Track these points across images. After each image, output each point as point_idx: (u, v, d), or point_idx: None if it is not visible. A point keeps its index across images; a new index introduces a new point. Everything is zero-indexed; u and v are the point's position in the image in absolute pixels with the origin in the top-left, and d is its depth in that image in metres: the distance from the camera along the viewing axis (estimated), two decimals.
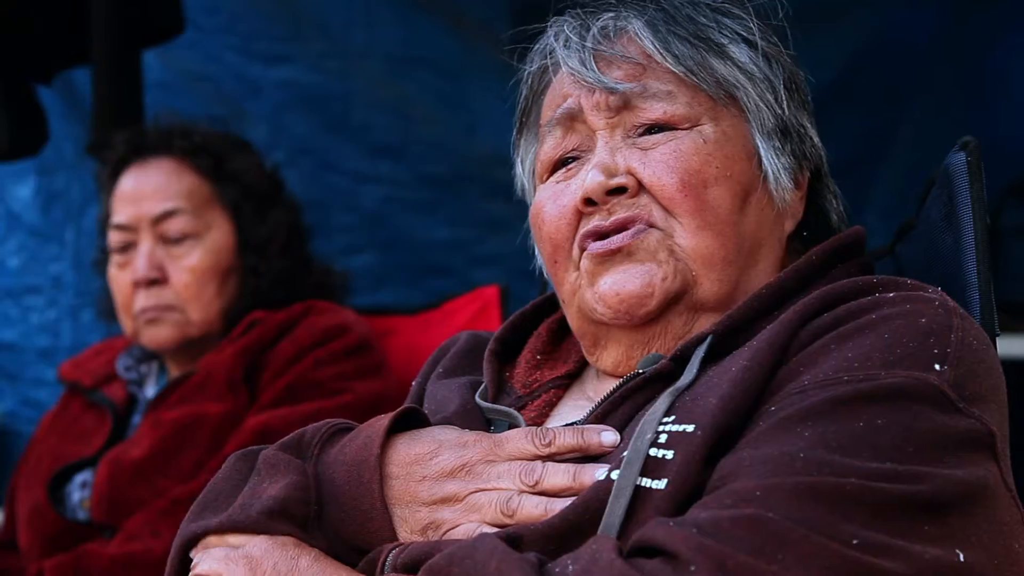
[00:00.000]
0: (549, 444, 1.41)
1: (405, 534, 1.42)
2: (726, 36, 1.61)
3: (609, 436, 1.40)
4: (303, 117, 3.51)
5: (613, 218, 1.54)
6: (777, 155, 1.61)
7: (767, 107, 1.61)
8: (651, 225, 1.54)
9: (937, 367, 1.29)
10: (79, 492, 2.61)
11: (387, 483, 1.43)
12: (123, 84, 2.92)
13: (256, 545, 1.42)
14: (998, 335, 1.52)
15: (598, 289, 1.55)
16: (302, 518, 1.44)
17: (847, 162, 3.14)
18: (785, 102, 1.62)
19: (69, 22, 2.92)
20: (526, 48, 1.70)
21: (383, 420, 1.47)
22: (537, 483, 1.37)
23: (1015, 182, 3.33)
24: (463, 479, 1.41)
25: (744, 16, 1.64)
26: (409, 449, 1.45)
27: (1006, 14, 3.40)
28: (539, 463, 1.39)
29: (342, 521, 1.44)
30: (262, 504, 1.44)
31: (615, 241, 1.54)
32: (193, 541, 1.48)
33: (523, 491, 1.37)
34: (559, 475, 1.37)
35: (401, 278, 3.47)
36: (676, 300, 1.54)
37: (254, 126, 3.24)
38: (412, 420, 1.52)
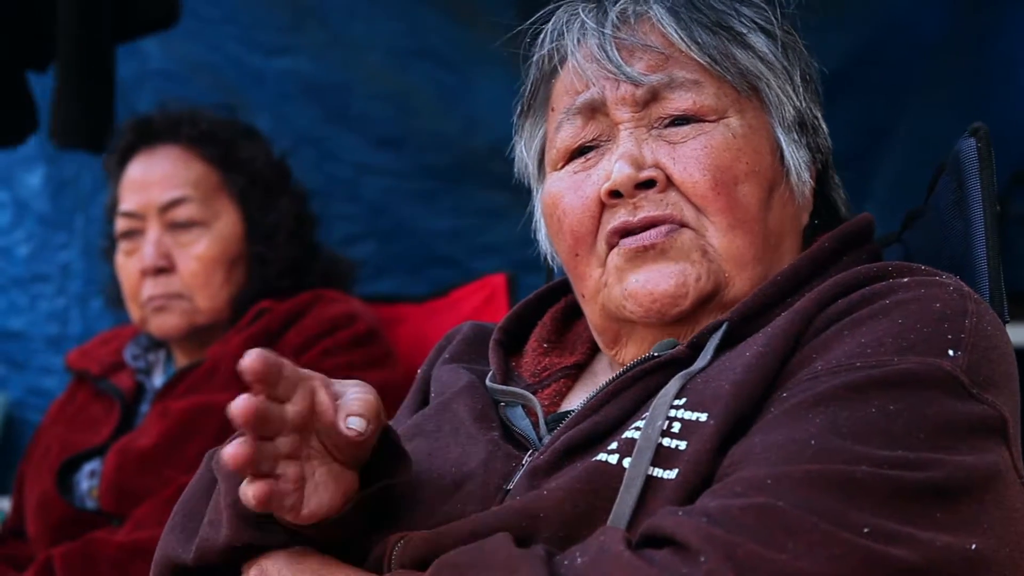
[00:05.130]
0: None
1: None
2: (745, 25, 1.58)
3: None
4: (305, 107, 3.50)
5: (641, 215, 1.51)
6: (797, 148, 1.59)
7: (787, 99, 1.58)
8: (683, 224, 1.51)
9: (951, 353, 1.28)
10: (87, 481, 2.61)
11: None
12: (87, 74, 2.90)
13: (268, 556, 1.42)
14: (1007, 322, 1.51)
15: (628, 287, 1.52)
16: (255, 518, 1.40)
17: (849, 152, 3.14)
18: (802, 93, 1.61)
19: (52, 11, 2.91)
20: (533, 35, 1.65)
21: None
22: None
23: (1021, 171, 3.33)
24: None
25: (761, 5, 1.61)
26: None
27: (1010, 5, 3.38)
28: None
29: None
30: (226, 519, 1.42)
31: (648, 237, 1.51)
32: (170, 569, 1.48)
33: None
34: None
35: (402, 268, 3.47)
36: (708, 300, 1.52)
37: (255, 116, 3.24)
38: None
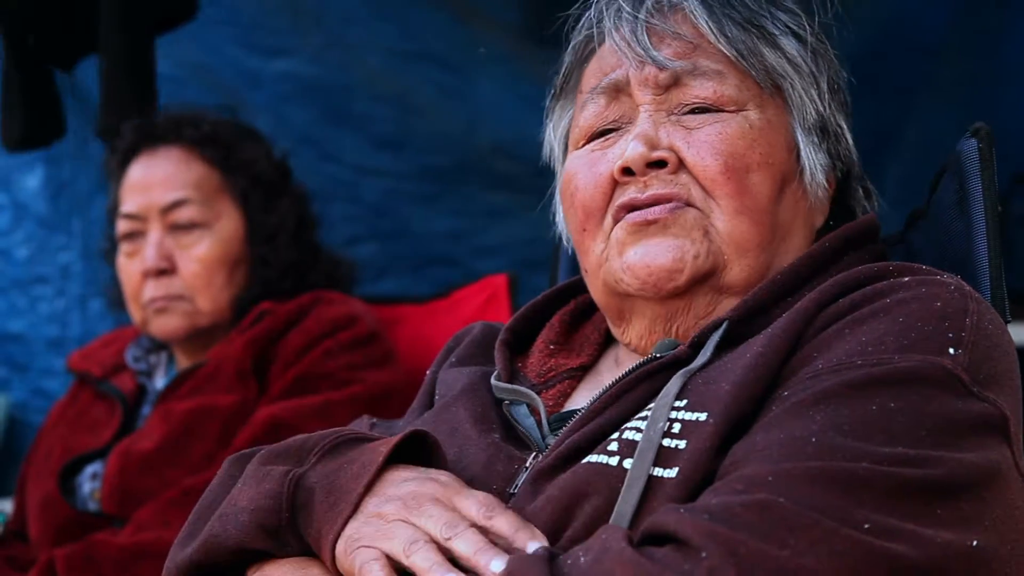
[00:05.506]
0: (490, 518, 1.33)
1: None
2: (778, 27, 1.61)
3: (533, 546, 1.30)
4: (304, 109, 3.50)
5: (649, 192, 1.53)
6: (815, 151, 1.61)
7: (810, 102, 1.61)
8: (689, 204, 1.53)
9: (951, 351, 1.29)
10: (89, 483, 2.61)
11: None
12: (131, 70, 2.91)
13: (273, 563, 1.43)
14: (1009, 322, 1.52)
15: (626, 259, 1.54)
16: (273, 527, 1.41)
17: (857, 151, 3.14)
18: (827, 100, 1.63)
19: (89, 7, 2.91)
20: (575, 19, 1.69)
21: (383, 449, 1.40)
22: (448, 539, 1.30)
23: (1023, 171, 3.32)
24: (404, 504, 1.34)
25: (796, 11, 1.64)
26: (396, 490, 1.37)
27: (1016, 5, 3.38)
28: (464, 524, 1.31)
29: (307, 529, 1.41)
30: (245, 522, 1.42)
31: (652, 212, 1.52)
32: (183, 570, 1.47)
33: (433, 540, 1.30)
34: (465, 544, 1.29)
35: (404, 268, 3.46)
36: (703, 280, 1.54)
37: (255, 118, 3.25)
38: (421, 443, 1.46)
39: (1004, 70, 3.41)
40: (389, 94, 3.47)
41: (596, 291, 1.64)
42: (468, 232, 3.45)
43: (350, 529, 1.35)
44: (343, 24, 3.47)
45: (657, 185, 1.53)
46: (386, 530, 1.32)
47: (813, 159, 1.60)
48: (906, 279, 1.38)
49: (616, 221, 1.56)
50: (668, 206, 1.52)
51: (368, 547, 1.32)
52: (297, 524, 1.41)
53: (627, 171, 1.55)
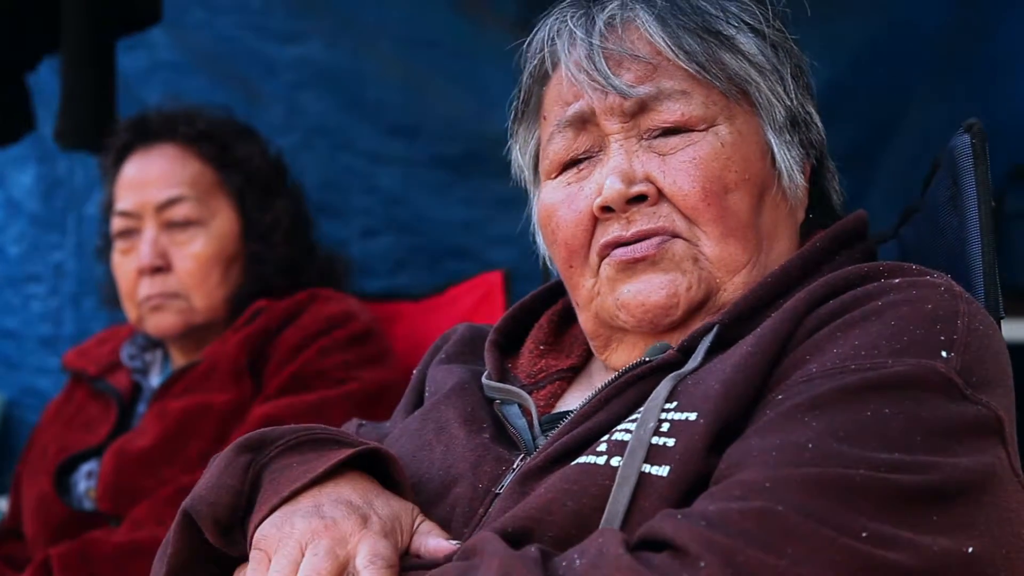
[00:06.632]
0: (366, 567, 1.32)
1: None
2: (733, 26, 1.57)
3: None
4: (317, 95, 3.46)
5: (634, 229, 1.52)
6: (788, 149, 1.59)
7: (778, 100, 1.58)
8: (675, 235, 1.52)
9: (944, 354, 1.29)
10: (85, 482, 2.61)
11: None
12: (92, 75, 2.90)
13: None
14: (1002, 318, 1.52)
15: (620, 297, 1.53)
16: (227, 523, 1.41)
17: (854, 147, 3.13)
18: (793, 91, 1.60)
19: (51, 7, 2.90)
20: (528, 42, 1.66)
21: (332, 460, 1.41)
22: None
23: (1019, 167, 3.32)
24: (314, 531, 1.34)
25: (748, 2, 1.60)
26: (330, 509, 1.37)
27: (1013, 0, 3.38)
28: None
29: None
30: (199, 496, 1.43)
31: (639, 250, 1.51)
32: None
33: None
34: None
35: (421, 259, 3.43)
36: (699, 307, 1.53)
37: (268, 104, 3.21)
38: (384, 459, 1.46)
39: (1002, 64, 3.40)
40: (400, 81, 3.43)
41: (587, 322, 1.63)
42: (483, 221, 3.40)
43: (266, 524, 1.36)
44: (355, 9, 3.43)
45: (640, 220, 1.52)
46: (282, 543, 1.33)
47: (788, 159, 1.59)
48: (896, 281, 1.38)
49: (602, 258, 1.55)
50: (655, 241, 1.51)
51: (259, 551, 1.34)
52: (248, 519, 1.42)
53: (607, 209, 1.53)
